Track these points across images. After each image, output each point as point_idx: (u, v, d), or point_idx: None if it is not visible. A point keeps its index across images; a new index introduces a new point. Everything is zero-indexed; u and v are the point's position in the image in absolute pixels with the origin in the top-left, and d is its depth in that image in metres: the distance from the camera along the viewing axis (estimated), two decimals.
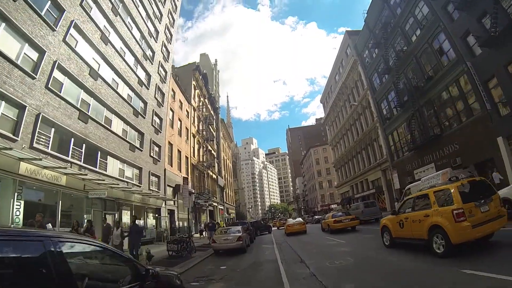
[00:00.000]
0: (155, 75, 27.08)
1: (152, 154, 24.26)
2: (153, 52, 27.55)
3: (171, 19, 34.96)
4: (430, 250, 7.45)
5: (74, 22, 15.94)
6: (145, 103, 24.31)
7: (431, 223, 7.39)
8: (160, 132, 26.57)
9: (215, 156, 49.58)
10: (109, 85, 19.12)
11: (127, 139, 20.56)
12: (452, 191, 7.18)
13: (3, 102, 11.50)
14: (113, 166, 18.63)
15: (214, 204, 45.20)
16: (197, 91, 42.39)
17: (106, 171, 17.62)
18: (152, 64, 26.75)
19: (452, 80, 20.90)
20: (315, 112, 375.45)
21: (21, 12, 12.48)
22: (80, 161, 15.52)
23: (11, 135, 11.53)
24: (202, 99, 44.90)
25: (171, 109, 30.30)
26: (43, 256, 2.19)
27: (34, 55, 13.47)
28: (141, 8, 25.49)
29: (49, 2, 14.43)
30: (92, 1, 18.19)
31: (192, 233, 30.34)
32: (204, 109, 44.97)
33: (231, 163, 74.19)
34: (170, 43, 33.64)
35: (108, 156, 18.16)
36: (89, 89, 16.98)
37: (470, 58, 18.87)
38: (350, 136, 44.90)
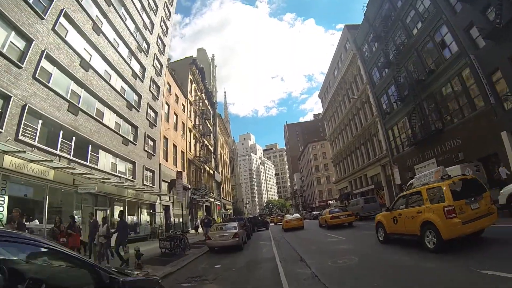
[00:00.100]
0: (150, 68, 26.38)
1: (146, 148, 23.63)
2: (148, 45, 26.84)
3: (167, 11, 34.19)
4: (422, 245, 7.76)
5: (64, 11, 15.29)
6: (140, 96, 23.63)
7: (423, 219, 7.70)
8: (155, 126, 25.91)
9: (212, 151, 48.93)
10: (101, 76, 18.46)
11: (120, 133, 19.92)
12: (443, 188, 7.44)
13: None
14: (105, 160, 17.99)
15: (211, 199, 44.65)
16: (193, 85, 41.68)
17: (97, 165, 17.00)
18: (147, 56, 26.04)
19: (454, 74, 20.35)
20: (313, 108, 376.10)
21: None
22: (70, 154, 14.88)
23: None
24: (199, 93, 44.21)
25: (166, 103, 29.62)
26: None
27: (21, 44, 12.86)
28: None
29: None
30: None
31: (188, 229, 29.88)
32: (201, 104, 44.29)
33: (229, 159, 73.59)
34: (166, 36, 32.91)
35: (99, 150, 17.53)
36: (79, 80, 16.32)
37: (474, 50, 18.32)
38: (348, 131, 44.34)
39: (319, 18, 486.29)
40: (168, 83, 31.07)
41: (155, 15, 29.53)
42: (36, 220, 12.48)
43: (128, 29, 22.92)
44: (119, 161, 19.55)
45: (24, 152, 11.14)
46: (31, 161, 12.11)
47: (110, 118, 19.14)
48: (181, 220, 29.07)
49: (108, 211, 17.33)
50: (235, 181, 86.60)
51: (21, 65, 12.40)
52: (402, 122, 28.35)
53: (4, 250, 2.08)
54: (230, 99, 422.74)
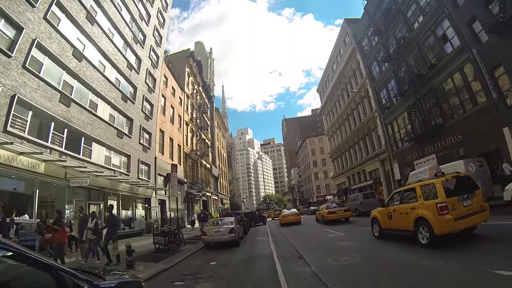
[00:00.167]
0: (146, 60, 25.83)
1: (141, 142, 23.17)
2: (144, 36, 26.26)
3: (164, 3, 33.52)
4: (416, 241, 7.93)
5: None
6: (135, 88, 23.12)
7: (417, 215, 7.86)
8: (151, 119, 25.42)
9: (209, 145, 48.50)
10: (95, 67, 17.96)
11: (114, 125, 19.45)
12: (437, 185, 7.59)
13: None
14: (98, 153, 17.55)
15: (208, 194, 44.32)
16: (190, 78, 41.12)
17: (90, 158, 16.56)
18: (143, 48, 25.48)
19: (456, 68, 20.00)
20: (310, 103, 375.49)
21: None
22: (61, 147, 14.43)
23: None
24: (196, 86, 43.64)
25: (163, 96, 29.10)
26: None
27: (11, 32, 12.39)
28: None
29: None
30: None
31: (185, 223, 29.56)
32: (198, 97, 43.75)
33: (226, 153, 73.25)
34: (163, 28, 32.26)
35: (93, 143, 17.08)
36: (72, 71, 15.83)
37: (476, 45, 17.98)
38: (347, 126, 43.95)
39: (318, 13, 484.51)
40: (165, 76, 30.52)
41: (152, 6, 28.92)
42: (26, 215, 12.10)
43: (124, 19, 22.34)
44: (113, 154, 19.10)
45: (12, 143, 10.70)
46: (21, 153, 11.69)
47: (104, 110, 18.66)
48: (177, 214, 28.77)
49: (101, 205, 16.91)
50: (232, 176, 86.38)
51: (11, 54, 11.95)
52: (401, 117, 28.00)
53: None
54: (228, 94, 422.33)
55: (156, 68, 28.09)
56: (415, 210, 8.02)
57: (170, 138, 30.05)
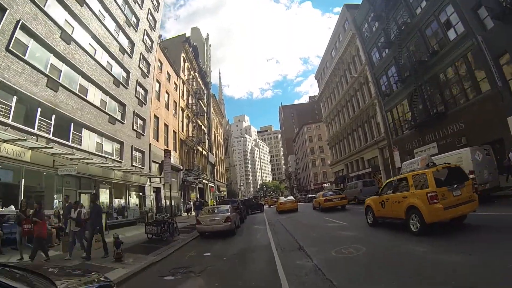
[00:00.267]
0: (139, 44, 24.90)
1: (135, 128, 22.46)
2: (138, 19, 25.24)
3: None
4: (407, 228, 8.22)
5: None
6: (128, 73, 22.28)
7: (408, 204, 8.14)
8: (145, 104, 24.66)
9: (206, 131, 47.81)
10: (84, 50, 17.13)
11: (106, 110, 18.71)
12: (428, 176, 7.85)
13: None
14: (89, 140, 16.87)
15: (204, 181, 43.87)
16: (186, 64, 40.13)
17: (81, 145, 15.89)
18: (136, 31, 24.50)
19: (460, 55, 19.43)
20: (308, 91, 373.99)
21: None
22: (49, 134, 13.76)
23: None
24: (192, 72, 42.69)
25: (157, 81, 28.26)
26: None
27: None
28: None
29: None
30: None
31: (181, 212, 29.19)
32: (194, 83, 42.85)
33: (223, 140, 72.57)
34: (157, 12, 31.10)
35: (83, 129, 16.38)
36: (60, 54, 15.02)
37: (481, 32, 17.37)
38: (346, 113, 43.34)
39: (316, 0, 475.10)
40: (160, 61, 29.61)
41: None
42: (12, 206, 11.52)
43: (115, 1, 21.36)
44: (105, 141, 18.43)
45: None
46: (5, 141, 11.06)
47: (95, 95, 17.90)
48: (173, 202, 28.36)
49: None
50: (229, 163, 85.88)
51: None
52: (402, 104, 27.47)
53: None
54: (225, 81, 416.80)
55: (150, 52, 27.16)
56: (406, 199, 8.29)
57: (165, 124, 29.35)
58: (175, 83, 33.88)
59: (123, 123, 20.62)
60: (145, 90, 25.12)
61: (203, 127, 46.31)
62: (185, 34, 41.46)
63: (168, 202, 26.48)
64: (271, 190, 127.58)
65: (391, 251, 6.91)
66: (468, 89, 19.39)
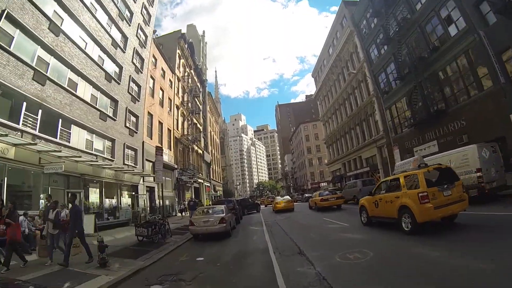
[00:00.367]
0: (133, 38, 24.14)
1: (128, 125, 21.69)
2: (131, 13, 24.48)
3: None
4: (399, 227, 8.43)
5: None
6: (120, 68, 21.53)
7: (400, 203, 8.37)
8: (138, 101, 23.89)
9: (201, 130, 47.08)
10: (74, 43, 16.37)
11: (96, 106, 17.96)
12: (419, 176, 8.07)
13: None
14: (78, 137, 16.11)
15: (200, 180, 43.17)
16: (182, 60, 39.39)
17: (69, 142, 15.15)
18: (129, 26, 23.73)
19: (461, 51, 18.88)
20: (304, 90, 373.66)
21: None
22: (35, 129, 13.02)
23: None
24: (187, 69, 41.95)
25: (151, 77, 27.53)
26: None
27: None
28: None
29: None
30: None
31: (176, 212, 28.50)
32: (189, 80, 42.10)
33: (219, 139, 71.97)
34: (152, 6, 30.33)
35: (72, 125, 15.61)
36: (48, 46, 14.27)
37: (483, 27, 16.89)
38: (343, 111, 42.78)
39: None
40: (154, 56, 28.87)
41: None
42: None
43: None
44: (95, 138, 17.67)
45: None
46: None
47: (85, 90, 17.15)
48: (166, 202, 27.67)
49: (82, 193, 15.59)
50: (225, 162, 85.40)
51: None
52: (401, 102, 26.94)
53: None
54: (221, 80, 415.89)
55: (144, 48, 26.42)
56: (399, 199, 8.50)
57: (159, 121, 28.62)
58: (170, 80, 33.15)
59: (115, 120, 19.89)
60: (139, 86, 24.38)
61: (198, 125, 45.59)
62: (180, 30, 40.78)
63: (162, 202, 25.92)
64: (268, 189, 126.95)
65: (402, 256, 6.32)
66: (469, 86, 18.88)
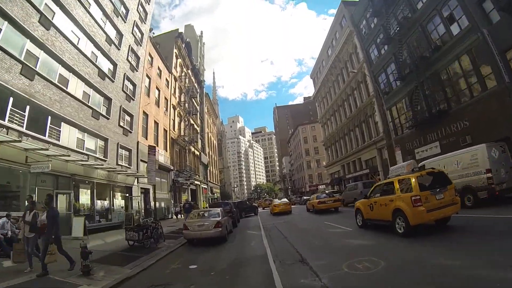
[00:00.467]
0: (128, 35, 23.50)
1: (122, 124, 21.00)
2: (127, 10, 23.84)
3: None
4: (393, 230, 8.61)
5: None
6: (115, 65, 20.86)
7: (394, 206, 8.58)
8: (133, 100, 23.20)
9: (198, 131, 46.40)
10: (66, 37, 15.71)
11: (89, 104, 17.28)
12: (412, 180, 8.28)
13: None
14: (69, 135, 15.40)
15: (197, 182, 42.45)
16: (179, 60, 38.77)
17: (59, 140, 14.45)
18: (125, 22, 23.11)
19: (464, 50, 18.44)
20: (302, 92, 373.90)
21: None
22: (22, 126, 12.36)
23: None
24: (185, 69, 41.33)
25: (147, 76, 26.87)
26: None
27: None
28: None
29: None
30: None
31: (171, 214, 27.80)
32: (187, 80, 41.50)
33: (216, 141, 71.26)
34: (149, 4, 29.72)
35: (62, 123, 14.90)
36: (38, 39, 13.60)
37: (486, 25, 16.48)
38: (342, 113, 42.27)
39: (312, 2, 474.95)
40: (150, 55, 28.24)
41: None
42: None
43: None
44: (87, 137, 16.97)
45: None
46: None
47: (76, 87, 16.47)
48: (161, 204, 26.97)
49: (71, 195, 14.91)
50: (223, 164, 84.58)
51: None
52: (402, 103, 26.43)
53: None
54: (219, 82, 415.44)
55: (140, 45, 25.78)
56: (393, 202, 8.69)
57: (155, 121, 27.93)
58: (166, 79, 32.50)
59: (108, 119, 19.20)
60: (134, 85, 23.71)
61: (195, 126, 44.92)
62: (178, 29, 40.25)
63: (157, 204, 25.21)
64: (265, 192, 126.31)
65: (418, 265, 5.62)
66: (472, 86, 18.43)
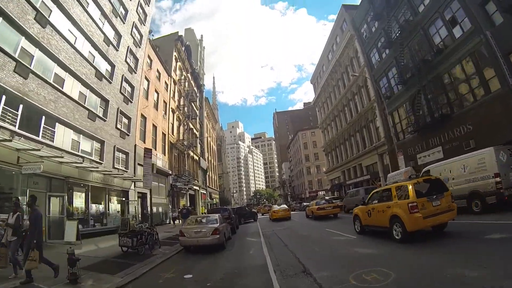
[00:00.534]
0: (127, 37, 23.18)
1: (119, 126, 20.54)
2: (126, 10, 23.55)
3: None
4: (390, 236, 8.64)
5: None
6: (113, 66, 20.51)
7: (391, 213, 8.69)
8: (131, 102, 22.79)
9: (198, 136, 45.98)
10: (63, 36, 15.32)
11: (85, 105, 16.86)
12: (409, 187, 8.40)
13: None
14: (63, 137, 14.94)
15: (196, 187, 41.89)
16: (178, 63, 38.49)
17: (53, 141, 13.99)
18: (123, 23, 22.79)
19: (466, 53, 18.16)
20: (302, 98, 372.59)
21: None
22: (14, 125, 11.92)
23: None
24: (184, 73, 41.04)
25: (146, 78, 26.52)
26: None
27: None
28: None
29: None
30: None
31: (170, 219, 27.25)
32: (186, 84, 41.17)
33: (216, 146, 70.84)
34: (148, 5, 29.48)
35: (56, 123, 14.44)
36: (33, 37, 13.23)
37: (489, 28, 16.23)
38: (342, 118, 41.92)
39: (312, 8, 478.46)
40: (149, 57, 27.92)
41: None
42: None
43: None
44: (82, 139, 16.50)
45: None
46: None
47: (72, 87, 16.05)
48: (159, 209, 26.46)
49: (65, 198, 14.41)
50: (222, 170, 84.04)
51: None
52: (404, 107, 26.07)
53: None
54: (219, 87, 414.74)
55: (139, 47, 25.46)
56: (390, 209, 8.81)
57: (154, 125, 27.51)
58: (165, 82, 32.15)
59: (105, 121, 18.77)
60: (132, 87, 23.32)
61: (195, 130, 44.52)
62: (177, 32, 40.03)
63: (155, 209, 24.68)
64: (265, 198, 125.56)
65: (433, 277, 5.11)
66: (476, 89, 18.10)
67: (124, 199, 20.73)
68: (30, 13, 13.28)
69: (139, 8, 26.36)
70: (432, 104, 21.85)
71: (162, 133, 29.70)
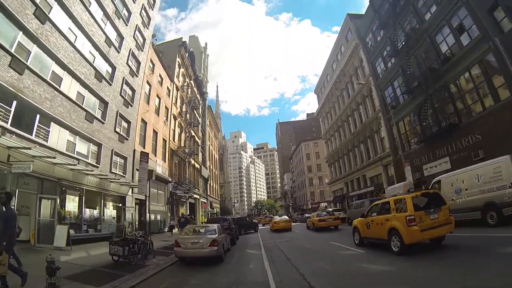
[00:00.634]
0: (129, 39, 22.85)
1: (118, 130, 19.99)
2: (129, 13, 23.28)
3: None
4: (389, 248, 8.70)
5: None
6: (113, 68, 20.10)
7: (390, 226, 8.81)
8: (132, 106, 22.30)
9: (199, 144, 45.46)
10: (62, 34, 14.88)
11: (83, 106, 16.36)
12: (407, 200, 8.55)
13: None
14: (58, 137, 14.38)
15: (196, 196, 41.14)
16: (182, 69, 38.23)
17: (47, 141, 13.44)
18: (126, 25, 22.47)
19: (475, 60, 17.75)
20: (305, 109, 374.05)
21: None
22: (6, 122, 11.40)
23: None
24: (187, 79, 40.77)
25: (148, 82, 26.12)
26: None
27: None
28: None
29: None
30: None
31: (168, 228, 26.52)
32: (189, 91, 40.85)
33: (218, 155, 70.29)
34: (152, 9, 29.30)
35: (52, 123, 13.91)
36: (31, 33, 12.80)
37: (498, 34, 15.83)
38: (346, 128, 41.34)
39: (316, 19, 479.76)
40: (152, 61, 27.60)
41: None
42: None
43: None
44: (78, 140, 15.94)
45: None
46: None
47: (70, 86, 15.56)
48: (157, 217, 25.75)
49: (57, 200, 13.78)
50: (223, 179, 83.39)
51: None
52: (409, 117, 25.55)
53: None
54: (222, 97, 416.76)
55: (142, 50, 25.13)
56: (388, 221, 8.93)
57: (154, 130, 26.98)
58: (168, 88, 31.77)
59: (103, 123, 18.25)
60: (133, 90, 22.88)
61: (196, 138, 44.03)
62: (181, 38, 39.86)
63: (153, 216, 23.96)
64: (266, 208, 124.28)
65: None
66: (484, 97, 17.62)
67: (120, 205, 20.03)
68: (30, 7, 12.91)
69: (142, 11, 26.16)
70: (439, 114, 21.29)
71: (163, 139, 29.18)
